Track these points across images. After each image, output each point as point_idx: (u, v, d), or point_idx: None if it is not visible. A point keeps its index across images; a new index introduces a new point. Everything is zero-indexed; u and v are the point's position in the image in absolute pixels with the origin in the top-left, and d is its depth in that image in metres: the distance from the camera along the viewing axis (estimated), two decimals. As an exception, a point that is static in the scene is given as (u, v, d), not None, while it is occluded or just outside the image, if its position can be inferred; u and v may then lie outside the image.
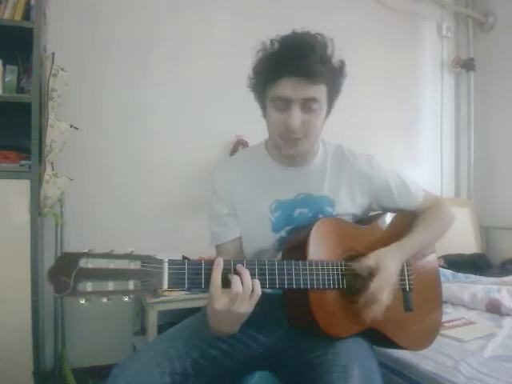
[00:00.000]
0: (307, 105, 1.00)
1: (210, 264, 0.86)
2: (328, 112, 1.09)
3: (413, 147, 3.23)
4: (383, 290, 0.97)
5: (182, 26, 2.48)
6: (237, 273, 0.87)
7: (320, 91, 1.01)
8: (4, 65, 1.86)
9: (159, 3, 2.45)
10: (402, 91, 3.15)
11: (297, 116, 1.00)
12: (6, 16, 1.80)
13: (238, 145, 2.49)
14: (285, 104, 1.00)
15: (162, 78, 2.44)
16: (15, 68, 1.92)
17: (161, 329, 1.94)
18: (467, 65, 3.29)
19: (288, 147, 1.05)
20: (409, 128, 3.22)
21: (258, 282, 0.88)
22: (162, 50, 2.44)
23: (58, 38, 2.15)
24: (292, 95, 0.99)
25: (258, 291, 0.87)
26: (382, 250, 1.04)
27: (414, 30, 3.23)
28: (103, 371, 1.23)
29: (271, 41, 1.02)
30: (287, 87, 0.99)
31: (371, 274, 1.00)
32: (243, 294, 0.85)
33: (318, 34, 1.03)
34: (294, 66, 0.97)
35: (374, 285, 0.97)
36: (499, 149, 3.18)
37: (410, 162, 3.12)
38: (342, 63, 1.06)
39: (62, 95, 1.91)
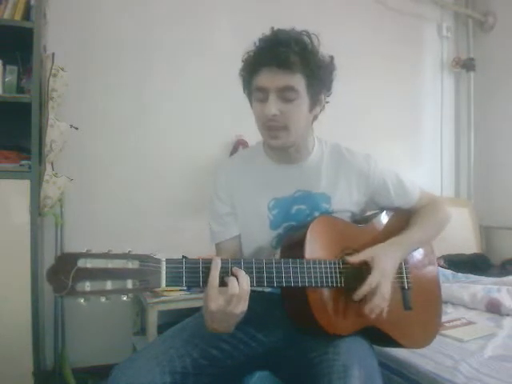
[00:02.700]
0: (284, 94, 1.02)
1: (207, 262, 0.86)
2: (313, 105, 1.08)
3: (413, 147, 3.23)
4: (380, 284, 0.98)
5: (182, 26, 2.48)
6: (233, 274, 0.87)
7: (297, 81, 1.02)
8: (4, 65, 1.86)
9: (159, 3, 2.45)
10: (402, 91, 3.14)
11: (272, 104, 1.02)
12: (6, 16, 1.80)
13: (238, 145, 2.49)
14: (263, 94, 1.04)
15: (161, 79, 2.44)
16: (15, 68, 1.92)
17: (161, 329, 1.94)
18: (467, 65, 3.29)
19: (270, 138, 1.07)
20: (409, 128, 3.21)
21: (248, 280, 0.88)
22: (162, 50, 2.44)
23: (58, 38, 2.15)
24: (268, 84, 1.02)
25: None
26: (379, 245, 1.06)
27: (414, 30, 3.23)
28: (103, 371, 1.23)
29: (259, 39, 1.06)
30: (263, 77, 1.03)
31: (368, 268, 1.00)
32: (239, 296, 0.85)
33: (303, 30, 1.05)
34: (269, 56, 1.01)
35: (371, 278, 0.98)
36: (499, 149, 3.18)
37: (410, 162, 3.12)
38: (330, 58, 1.09)
39: (61, 95, 1.91)
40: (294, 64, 1.00)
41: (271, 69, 1.01)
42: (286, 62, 1.00)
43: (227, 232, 1.18)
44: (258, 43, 1.06)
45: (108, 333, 2.30)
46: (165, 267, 0.82)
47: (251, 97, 1.10)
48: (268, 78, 1.02)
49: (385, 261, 1.01)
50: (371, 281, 0.98)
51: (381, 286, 0.98)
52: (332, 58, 1.09)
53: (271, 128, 1.05)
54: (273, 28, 1.06)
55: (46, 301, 2.07)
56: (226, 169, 1.21)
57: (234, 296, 0.85)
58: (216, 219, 1.19)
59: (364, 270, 1.02)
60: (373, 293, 0.98)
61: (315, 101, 1.08)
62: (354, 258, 1.02)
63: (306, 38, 1.04)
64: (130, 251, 0.80)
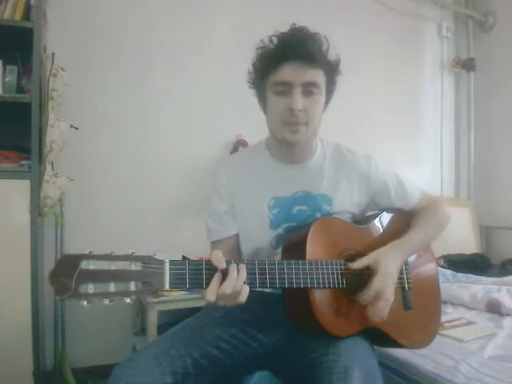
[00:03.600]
0: (308, 89, 1.04)
1: (210, 264, 0.86)
2: (326, 103, 1.11)
3: (413, 147, 3.23)
4: (385, 288, 0.98)
5: (183, 27, 2.48)
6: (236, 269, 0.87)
7: (319, 76, 1.05)
8: (4, 65, 1.86)
9: (159, 3, 2.45)
10: (402, 91, 3.14)
11: (298, 99, 1.03)
12: (6, 16, 1.80)
13: (238, 145, 2.49)
14: (286, 88, 1.04)
15: (161, 79, 2.44)
16: (15, 68, 1.91)
17: (161, 329, 1.94)
18: (467, 65, 3.29)
19: (290, 133, 1.07)
20: (409, 128, 3.21)
21: (246, 290, 0.87)
22: (162, 50, 2.44)
23: (58, 38, 2.15)
24: (293, 79, 1.03)
25: (243, 298, 0.87)
26: (381, 249, 1.05)
27: (413, 30, 3.23)
28: (103, 371, 1.24)
29: (270, 37, 1.06)
30: (288, 71, 1.03)
31: (371, 272, 1.00)
32: (228, 296, 0.85)
33: (316, 32, 1.07)
34: (294, 51, 1.02)
35: (376, 283, 0.97)
36: (499, 149, 3.18)
37: (410, 162, 3.12)
38: (338, 61, 1.10)
39: (61, 95, 1.91)
40: (318, 59, 1.02)
41: (296, 63, 1.02)
42: (310, 56, 1.01)
43: (225, 231, 1.17)
44: (273, 41, 1.06)
45: (108, 333, 2.30)
46: (168, 269, 0.81)
47: (265, 92, 1.09)
48: (294, 72, 1.02)
49: (387, 264, 1.01)
50: (376, 285, 0.97)
51: (385, 290, 0.98)
52: (338, 61, 1.10)
53: (292, 123, 1.05)
54: (294, 24, 1.07)
55: (46, 301, 2.07)
56: (227, 167, 1.21)
57: (224, 296, 0.85)
58: (213, 217, 1.18)
59: (365, 271, 1.02)
60: (377, 297, 0.97)
61: (328, 100, 1.11)
62: (357, 264, 1.01)
63: (322, 39, 1.06)
64: (132, 252, 0.79)
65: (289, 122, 1.05)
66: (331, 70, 1.08)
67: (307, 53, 1.01)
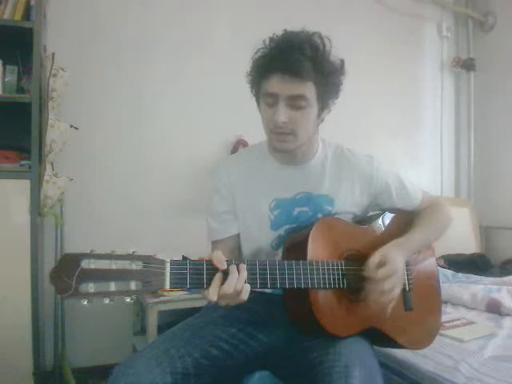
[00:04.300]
0: (294, 101, 1.01)
1: (211, 264, 0.86)
2: (321, 111, 1.08)
3: (413, 147, 3.23)
4: (391, 280, 0.97)
5: (183, 26, 2.48)
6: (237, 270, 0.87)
7: (307, 89, 1.01)
8: (4, 65, 1.86)
9: (159, 3, 2.45)
10: (402, 91, 3.14)
11: (282, 112, 1.01)
12: (6, 16, 1.80)
13: (238, 145, 2.49)
14: (273, 100, 1.03)
15: (162, 78, 2.44)
16: (15, 68, 1.91)
17: (161, 329, 1.94)
18: (467, 65, 3.29)
19: (277, 142, 1.07)
20: (409, 128, 3.21)
21: (247, 289, 0.87)
22: (162, 50, 2.44)
23: (58, 38, 2.15)
24: (278, 91, 1.01)
25: (245, 296, 0.87)
26: (385, 246, 1.04)
27: (413, 30, 3.23)
28: (103, 371, 1.24)
29: (270, 39, 1.05)
30: (274, 83, 1.01)
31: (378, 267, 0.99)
32: (230, 296, 0.85)
33: (315, 32, 1.04)
34: (281, 62, 0.99)
35: (382, 273, 0.96)
36: (499, 149, 3.18)
37: (409, 162, 3.12)
38: (341, 62, 1.07)
39: (61, 95, 1.91)
40: (306, 72, 0.99)
41: (283, 76, 0.99)
42: (299, 70, 0.98)
43: (225, 230, 1.17)
44: (268, 44, 1.04)
45: (108, 333, 2.30)
46: (169, 269, 0.81)
47: (259, 98, 1.09)
48: (279, 85, 1.00)
49: (395, 258, 1.00)
50: (381, 276, 0.96)
51: (389, 282, 0.97)
52: (343, 61, 1.07)
53: (279, 133, 1.05)
54: (285, 30, 1.04)
55: (46, 301, 2.07)
56: (227, 166, 1.20)
57: (226, 295, 0.85)
58: (214, 216, 1.18)
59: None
60: (381, 288, 0.97)
61: (324, 106, 1.08)
62: (367, 267, 0.99)
63: (318, 42, 1.02)
64: (133, 252, 0.79)
65: (276, 132, 1.05)
66: (327, 79, 1.03)
67: (294, 66, 0.98)
